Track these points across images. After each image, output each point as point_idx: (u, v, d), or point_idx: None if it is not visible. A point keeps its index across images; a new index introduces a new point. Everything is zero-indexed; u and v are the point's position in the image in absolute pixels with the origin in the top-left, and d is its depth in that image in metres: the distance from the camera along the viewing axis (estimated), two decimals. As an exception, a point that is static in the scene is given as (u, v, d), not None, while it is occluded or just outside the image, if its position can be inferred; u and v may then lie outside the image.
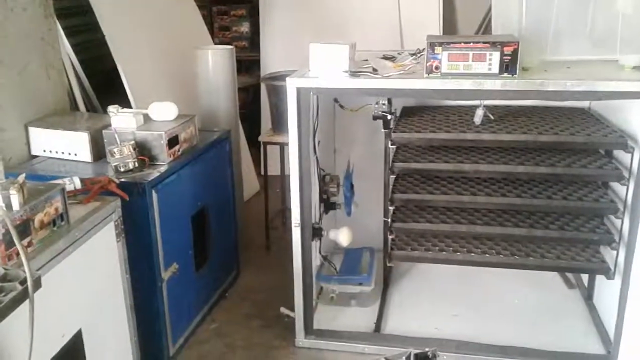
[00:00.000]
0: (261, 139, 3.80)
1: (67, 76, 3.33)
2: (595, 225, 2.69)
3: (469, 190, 2.75)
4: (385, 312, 3.03)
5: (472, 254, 2.75)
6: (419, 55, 2.76)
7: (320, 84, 2.51)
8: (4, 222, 1.60)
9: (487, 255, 2.74)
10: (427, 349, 1.80)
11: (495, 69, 2.33)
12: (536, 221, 2.73)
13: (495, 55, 2.32)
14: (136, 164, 2.55)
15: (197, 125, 2.95)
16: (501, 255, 2.73)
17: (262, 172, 3.89)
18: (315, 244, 2.89)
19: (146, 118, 2.77)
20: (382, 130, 2.79)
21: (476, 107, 2.75)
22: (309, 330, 2.86)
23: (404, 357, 1.77)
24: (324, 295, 3.13)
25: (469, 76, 2.35)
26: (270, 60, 5.11)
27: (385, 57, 2.84)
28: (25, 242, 1.70)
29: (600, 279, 2.90)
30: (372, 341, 2.80)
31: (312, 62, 2.55)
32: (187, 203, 2.85)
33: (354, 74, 2.51)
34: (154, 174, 2.53)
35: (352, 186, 3.14)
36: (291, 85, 2.50)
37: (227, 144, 3.26)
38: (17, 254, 1.62)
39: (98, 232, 2.06)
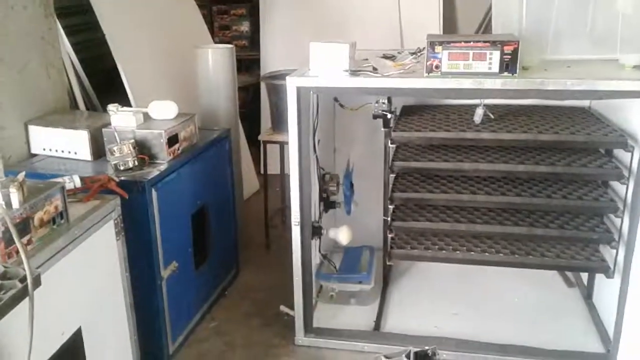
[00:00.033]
0: (261, 137, 3.80)
1: (67, 75, 3.33)
2: (595, 224, 2.69)
3: (468, 189, 2.75)
4: (385, 310, 3.03)
5: (472, 253, 2.76)
6: (419, 54, 2.76)
7: (320, 83, 2.51)
8: (4, 220, 1.60)
9: (487, 253, 2.75)
10: (426, 347, 1.81)
11: (496, 68, 2.33)
12: (536, 220, 2.73)
13: (496, 55, 2.32)
14: (136, 163, 2.55)
15: (197, 124, 2.95)
16: (501, 254, 2.74)
17: (262, 171, 3.90)
18: (314, 243, 2.89)
19: (146, 117, 2.77)
20: (382, 129, 2.79)
21: (476, 106, 2.76)
22: (308, 328, 2.86)
23: (403, 355, 1.78)
24: (323, 294, 3.13)
25: (469, 75, 2.35)
26: (270, 59, 5.11)
27: (386, 56, 2.84)
28: (25, 240, 1.70)
29: (599, 277, 2.90)
30: (372, 339, 2.80)
31: (312, 61, 2.55)
32: (187, 201, 2.85)
33: (354, 73, 2.51)
34: (153, 172, 2.53)
35: (351, 185, 3.14)
36: (291, 84, 2.50)
37: (227, 142, 3.26)
38: (17, 252, 1.62)
39: (98, 230, 2.06)
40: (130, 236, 2.28)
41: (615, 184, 2.66)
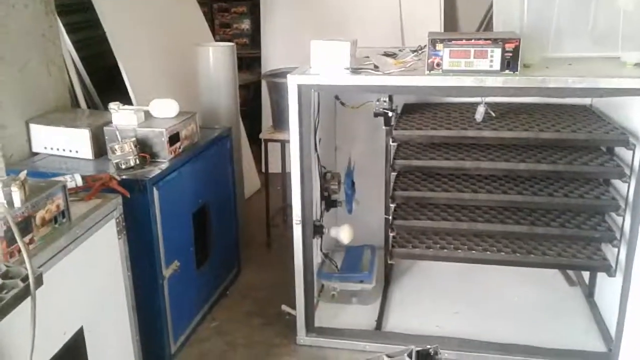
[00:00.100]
0: (262, 136, 3.80)
1: (68, 73, 3.33)
2: (596, 222, 2.69)
3: (470, 187, 2.75)
4: (386, 309, 3.03)
5: (473, 252, 2.76)
6: (420, 52, 2.75)
7: (322, 80, 2.51)
8: (6, 219, 1.60)
9: (488, 252, 2.75)
10: (428, 346, 1.80)
11: (497, 65, 2.33)
12: (537, 218, 2.73)
13: (497, 52, 2.31)
14: (137, 161, 2.55)
15: (198, 122, 2.95)
16: (502, 253, 2.73)
17: (263, 170, 3.89)
18: (316, 242, 2.89)
19: (147, 115, 2.76)
20: (383, 127, 2.79)
21: (477, 104, 2.75)
22: (310, 328, 2.86)
23: (405, 355, 1.77)
24: (325, 293, 3.13)
25: (470, 73, 2.35)
26: (271, 58, 5.10)
27: (387, 54, 2.83)
28: (26, 239, 1.70)
29: (601, 276, 2.90)
30: (373, 339, 2.80)
31: (313, 59, 2.55)
32: (188, 200, 2.85)
33: (355, 71, 2.50)
34: (155, 171, 2.53)
35: (353, 184, 3.14)
36: (292, 82, 2.50)
37: (228, 141, 3.25)
38: (19, 251, 1.62)
39: (99, 229, 2.06)
40: (131, 235, 2.27)
41: (616, 182, 2.66)
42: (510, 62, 2.31)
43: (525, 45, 2.32)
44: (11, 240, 1.63)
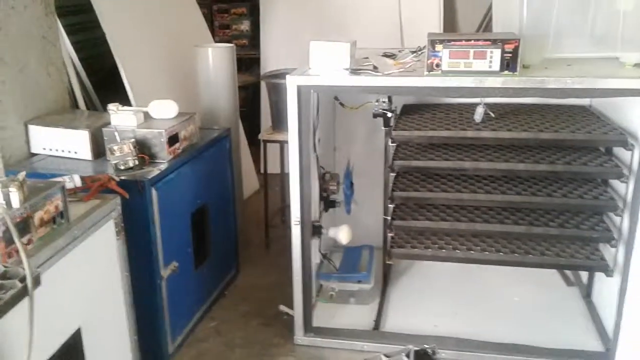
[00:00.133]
0: (261, 137, 3.80)
1: (68, 74, 3.33)
2: (594, 222, 2.69)
3: (469, 187, 2.75)
4: (385, 309, 3.03)
5: (472, 252, 2.76)
6: (419, 52, 2.76)
7: (321, 81, 2.51)
8: (4, 220, 1.60)
9: (487, 252, 2.75)
10: (426, 346, 1.81)
11: (496, 66, 2.33)
12: (536, 219, 2.73)
13: (496, 53, 2.31)
14: (136, 162, 2.55)
15: (197, 123, 2.95)
16: (500, 253, 2.74)
17: (262, 170, 3.89)
18: (314, 242, 2.89)
19: (146, 116, 2.77)
20: (382, 128, 2.79)
21: (476, 105, 2.75)
22: (308, 328, 2.86)
23: (403, 355, 1.78)
24: (323, 293, 3.13)
25: (469, 74, 2.35)
26: (271, 59, 5.11)
27: (386, 55, 2.84)
28: (25, 239, 1.70)
29: (599, 276, 2.90)
30: (372, 339, 2.80)
31: (312, 59, 2.55)
32: (187, 201, 2.85)
33: (355, 71, 2.51)
34: (154, 172, 2.53)
35: (352, 184, 3.14)
36: (291, 83, 2.50)
37: (227, 142, 3.26)
38: (17, 252, 1.62)
39: (98, 230, 2.06)
40: (130, 236, 2.27)
41: (615, 183, 2.66)
42: (509, 63, 2.31)
43: (525, 46, 2.32)
44: (9, 241, 1.62)
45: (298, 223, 2.68)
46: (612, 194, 2.66)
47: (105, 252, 2.15)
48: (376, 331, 2.86)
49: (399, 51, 2.92)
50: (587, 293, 3.07)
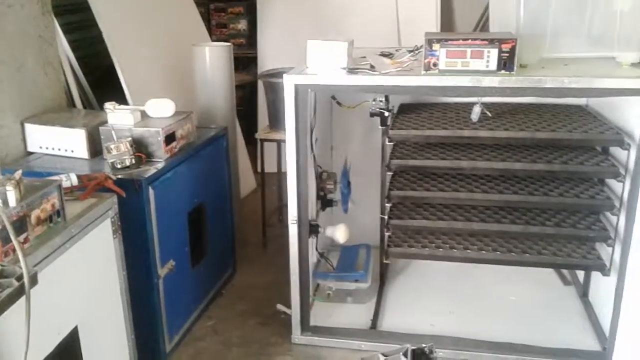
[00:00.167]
0: (258, 136, 3.79)
1: (64, 73, 3.33)
2: (591, 222, 2.69)
3: (465, 187, 2.76)
4: (382, 308, 3.04)
5: (469, 251, 2.76)
6: (416, 52, 2.76)
7: (318, 80, 2.51)
8: (1, 219, 1.60)
9: (484, 251, 2.75)
10: (424, 345, 1.81)
11: (493, 66, 2.33)
12: (533, 218, 2.73)
13: (493, 52, 2.32)
14: (133, 161, 2.54)
15: (194, 122, 2.95)
16: (497, 252, 2.74)
17: (259, 169, 3.90)
18: (311, 241, 2.89)
19: (143, 115, 2.76)
20: (380, 127, 2.79)
21: (473, 104, 2.76)
22: (305, 327, 2.86)
23: (401, 353, 1.78)
24: (320, 292, 3.13)
25: (466, 73, 2.35)
26: (268, 58, 5.10)
27: (383, 54, 2.84)
28: (21, 238, 1.69)
29: (595, 275, 2.90)
30: (369, 338, 2.80)
31: (309, 59, 2.55)
32: (184, 200, 2.84)
33: (352, 70, 2.51)
34: (150, 170, 2.53)
35: (349, 183, 3.14)
36: (289, 82, 2.50)
37: (224, 141, 3.25)
38: (14, 251, 1.62)
39: (94, 228, 2.06)
40: (127, 234, 2.27)
41: (611, 182, 2.67)
42: (506, 62, 2.32)
43: (522, 45, 2.32)
44: (6, 240, 1.62)
45: (295, 222, 2.68)
46: (608, 194, 2.67)
47: (102, 250, 2.15)
48: (373, 330, 2.87)
49: (397, 50, 2.92)
50: (583, 292, 3.08)
